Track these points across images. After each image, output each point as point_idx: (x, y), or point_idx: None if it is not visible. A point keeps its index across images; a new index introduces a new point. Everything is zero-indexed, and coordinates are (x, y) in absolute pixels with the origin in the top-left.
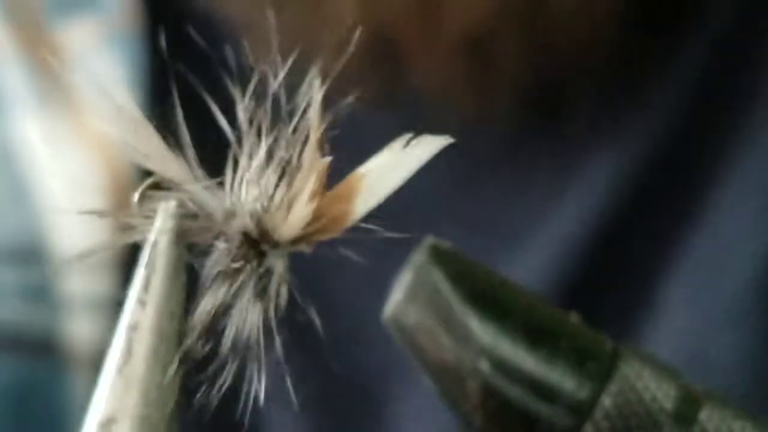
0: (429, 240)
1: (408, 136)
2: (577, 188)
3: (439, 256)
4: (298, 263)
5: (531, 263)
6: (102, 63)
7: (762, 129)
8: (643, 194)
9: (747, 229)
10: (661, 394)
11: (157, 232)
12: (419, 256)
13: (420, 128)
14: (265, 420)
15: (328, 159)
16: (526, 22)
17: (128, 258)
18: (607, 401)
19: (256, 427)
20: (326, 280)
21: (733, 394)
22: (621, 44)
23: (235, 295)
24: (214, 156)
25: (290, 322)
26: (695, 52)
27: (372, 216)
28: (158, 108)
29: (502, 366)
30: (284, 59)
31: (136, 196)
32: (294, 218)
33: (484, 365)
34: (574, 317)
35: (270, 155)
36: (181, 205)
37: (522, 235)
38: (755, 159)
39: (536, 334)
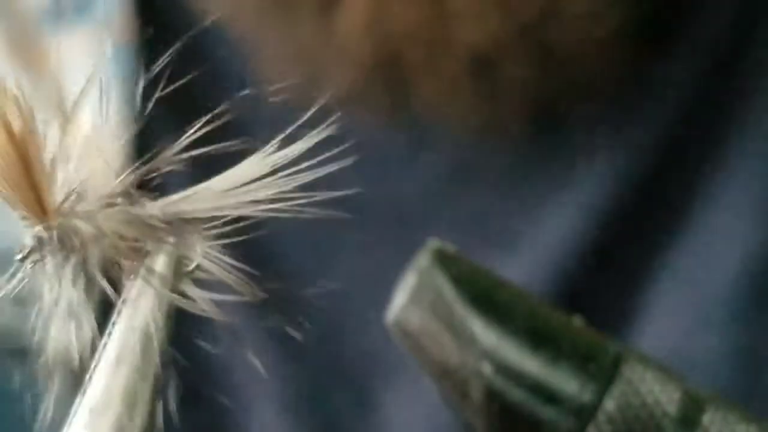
0: (433, 243)
1: None
2: (570, 194)
3: (442, 260)
4: (291, 262)
5: (524, 266)
6: (94, 72)
7: (751, 140)
8: (635, 201)
9: (733, 236)
10: (665, 397)
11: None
12: (423, 260)
13: (424, 144)
14: (249, 414)
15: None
16: (533, 42)
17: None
18: (610, 404)
19: (242, 424)
20: (317, 277)
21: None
22: (621, 61)
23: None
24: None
25: (277, 321)
26: (690, 66)
27: (367, 220)
28: (147, 118)
29: (504, 369)
30: (290, 75)
31: None
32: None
33: (487, 368)
34: (577, 320)
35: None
36: None
37: (516, 238)
38: (742, 170)
39: (539, 337)
